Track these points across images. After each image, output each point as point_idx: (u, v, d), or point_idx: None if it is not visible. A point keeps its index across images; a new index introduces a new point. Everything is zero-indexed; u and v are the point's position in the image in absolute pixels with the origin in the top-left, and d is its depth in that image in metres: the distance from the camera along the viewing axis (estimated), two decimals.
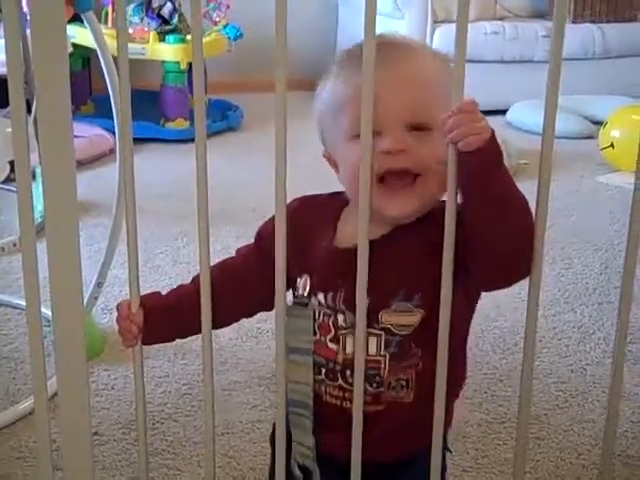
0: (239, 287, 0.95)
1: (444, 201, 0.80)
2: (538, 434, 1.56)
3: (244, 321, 0.99)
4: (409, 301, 0.85)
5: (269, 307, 0.95)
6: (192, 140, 3.21)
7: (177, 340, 1.51)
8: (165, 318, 0.95)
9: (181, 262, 2.28)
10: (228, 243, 2.23)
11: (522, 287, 0.84)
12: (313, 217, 0.91)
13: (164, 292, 0.99)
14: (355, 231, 0.81)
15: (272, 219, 0.86)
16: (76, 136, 2.78)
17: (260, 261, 0.95)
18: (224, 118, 3.80)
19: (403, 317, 0.87)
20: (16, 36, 0.79)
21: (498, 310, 2.04)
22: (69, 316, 0.89)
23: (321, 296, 0.90)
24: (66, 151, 0.83)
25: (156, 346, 1.77)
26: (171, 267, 2.23)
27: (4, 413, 1.60)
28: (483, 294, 0.90)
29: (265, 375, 1.69)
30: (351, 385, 0.86)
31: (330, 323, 0.91)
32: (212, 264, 0.93)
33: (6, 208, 2.75)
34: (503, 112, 3.86)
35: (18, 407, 1.62)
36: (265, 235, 0.96)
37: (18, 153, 0.84)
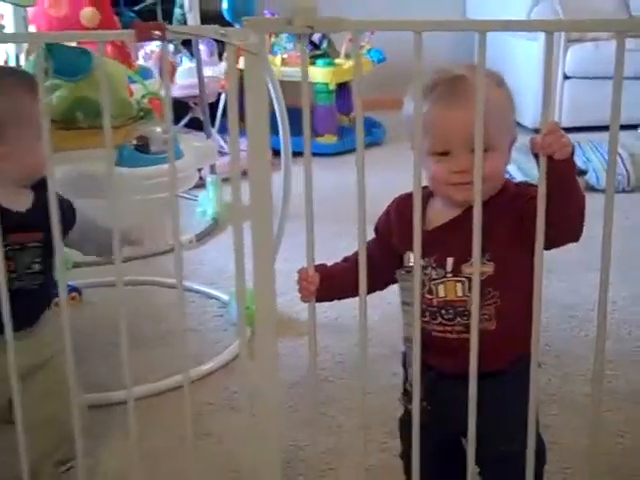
0: (369, 268, 1.17)
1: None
2: None
3: (387, 307, 1.29)
4: (482, 257, 1.12)
5: (389, 282, 1.33)
6: (340, 153, 3.74)
7: (335, 319, 1.88)
8: (331, 283, 1.28)
9: (338, 255, 2.60)
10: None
11: None
12: (410, 208, 1.12)
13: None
14: (437, 216, 1.22)
15: (383, 214, 1.33)
16: (243, 150, 3.17)
17: (382, 244, 1.32)
18: (368, 134, 4.13)
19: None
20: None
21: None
22: (265, 295, 1.18)
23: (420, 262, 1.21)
24: (264, 160, 1.14)
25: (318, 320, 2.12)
26: (326, 260, 2.56)
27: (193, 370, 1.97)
28: None
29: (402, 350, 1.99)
30: (448, 321, 1.25)
31: (426, 279, 1.25)
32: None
33: (182, 212, 3.17)
34: (635, 127, 4.00)
35: (201, 367, 1.99)
36: (379, 227, 1.35)
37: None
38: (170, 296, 2.43)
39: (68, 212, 1.53)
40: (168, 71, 1.90)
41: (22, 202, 1.43)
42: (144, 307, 2.37)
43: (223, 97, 3.54)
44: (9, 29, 2.37)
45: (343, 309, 2.16)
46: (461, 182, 1.09)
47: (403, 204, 1.29)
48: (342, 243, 2.77)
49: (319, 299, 1.26)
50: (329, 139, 3.98)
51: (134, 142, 1.89)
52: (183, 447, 1.67)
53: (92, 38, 1.22)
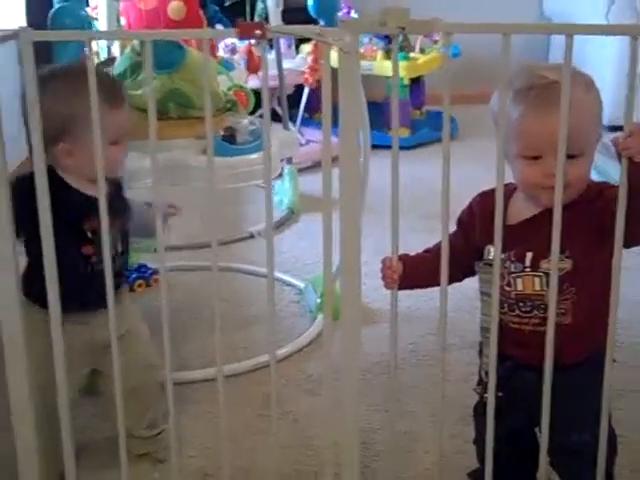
0: (450, 259, 1.22)
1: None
2: None
3: (461, 297, 1.33)
4: (561, 253, 1.16)
5: (468, 273, 1.38)
6: (412, 147, 3.76)
7: (407, 307, 1.92)
8: (414, 272, 1.33)
9: (411, 250, 2.65)
10: None
11: None
12: (493, 203, 1.16)
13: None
14: (518, 211, 1.28)
15: (466, 208, 1.38)
16: (311, 141, 3.28)
17: (464, 237, 1.36)
18: (440, 128, 4.11)
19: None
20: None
21: None
22: (352, 283, 1.22)
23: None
24: (354, 153, 1.19)
25: (386, 312, 2.16)
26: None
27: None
28: None
29: (475, 340, 2.02)
30: (525, 313, 1.30)
31: (505, 272, 1.29)
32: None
33: (259, 201, 3.26)
34: None
35: (278, 352, 2.05)
36: (462, 220, 1.39)
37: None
38: (248, 282, 2.51)
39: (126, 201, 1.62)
40: (256, 65, 1.97)
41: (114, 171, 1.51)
42: (223, 292, 2.44)
43: (306, 91, 3.60)
44: (102, 21, 2.46)
45: (415, 298, 2.22)
46: (552, 186, 1.12)
47: (486, 199, 1.33)
48: (415, 238, 2.79)
49: (401, 287, 1.31)
50: (402, 133, 4.00)
51: (221, 133, 1.96)
52: (260, 425, 1.78)
53: (198, 36, 1.28)
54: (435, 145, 3.99)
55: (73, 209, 1.46)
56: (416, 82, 4.18)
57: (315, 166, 3.71)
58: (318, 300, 2.26)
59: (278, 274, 2.54)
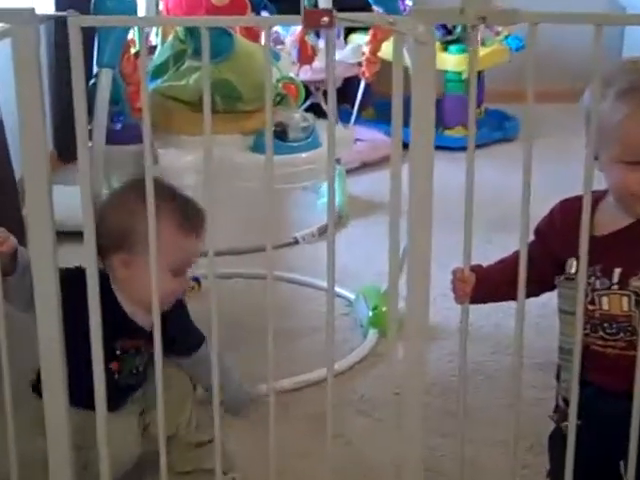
0: (530, 272, 1.21)
1: None
2: None
3: (526, 313, 1.30)
4: None
5: (546, 288, 1.36)
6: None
7: (470, 324, 1.92)
8: (487, 284, 1.32)
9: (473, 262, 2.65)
10: (508, 248, 2.55)
11: None
12: (576, 212, 1.15)
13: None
14: (606, 222, 1.24)
15: (545, 216, 1.35)
16: (359, 139, 3.24)
17: (543, 249, 1.34)
18: (501, 128, 4.13)
19: None
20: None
21: None
22: (419, 296, 1.22)
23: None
24: (429, 152, 1.18)
25: (443, 329, 2.16)
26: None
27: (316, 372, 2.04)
28: None
29: (542, 362, 2.01)
30: (610, 335, 1.27)
31: (589, 288, 1.27)
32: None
33: (304, 204, 3.27)
34: None
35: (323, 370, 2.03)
36: (541, 230, 1.37)
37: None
38: (291, 291, 2.51)
39: (194, 339, 1.66)
40: (309, 55, 1.96)
41: (147, 320, 1.52)
42: (263, 302, 2.44)
43: (362, 85, 3.56)
44: (141, 7, 2.48)
45: (476, 314, 2.19)
46: None
47: (569, 207, 1.32)
48: (479, 248, 2.81)
49: (473, 301, 1.30)
50: (458, 132, 3.98)
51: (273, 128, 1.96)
52: (308, 448, 1.77)
53: (257, 23, 1.29)
54: (494, 146, 3.97)
55: (113, 329, 1.49)
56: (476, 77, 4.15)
57: (363, 167, 3.70)
58: (370, 313, 2.26)
59: (325, 284, 2.53)
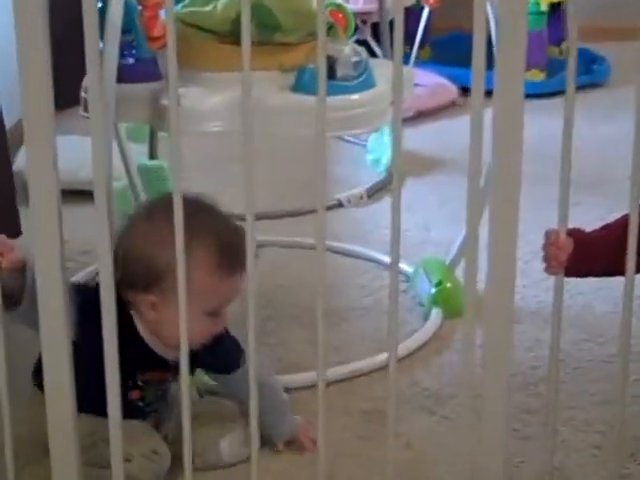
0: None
1: None
2: None
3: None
4: None
5: None
6: (548, 95, 3.66)
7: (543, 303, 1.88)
8: (588, 253, 1.26)
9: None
10: (600, 214, 2.48)
11: None
12: None
13: None
14: None
15: None
16: (416, 84, 3.17)
17: None
18: (588, 72, 4.06)
19: None
20: None
21: None
22: (503, 272, 1.19)
23: None
24: (519, 98, 1.13)
25: (519, 310, 2.12)
26: (535, 234, 2.53)
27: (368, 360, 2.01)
28: None
29: None
30: None
31: None
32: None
33: (349, 160, 3.23)
34: None
35: (379, 357, 2.01)
36: None
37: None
38: (336, 263, 2.47)
39: (233, 359, 1.66)
40: None
41: (174, 354, 1.51)
42: (306, 276, 2.42)
43: (425, 13, 3.50)
44: None
45: (549, 295, 2.14)
46: None
47: None
48: (554, 213, 2.75)
49: (569, 272, 1.26)
50: (535, 75, 3.92)
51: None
52: (360, 450, 1.74)
53: None
54: (580, 93, 3.86)
55: (134, 363, 1.56)
56: (556, 9, 4.09)
57: (419, 117, 3.66)
58: (433, 290, 2.23)
59: (377, 255, 2.52)
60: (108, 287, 1.19)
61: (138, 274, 1.50)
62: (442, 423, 1.83)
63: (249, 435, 1.25)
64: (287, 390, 1.80)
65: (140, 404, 1.65)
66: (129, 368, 1.50)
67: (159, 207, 1.51)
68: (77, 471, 1.30)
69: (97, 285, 1.22)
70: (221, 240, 1.52)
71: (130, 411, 1.57)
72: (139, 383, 1.62)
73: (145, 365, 1.60)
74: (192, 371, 1.70)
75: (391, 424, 1.26)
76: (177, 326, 1.17)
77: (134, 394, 1.62)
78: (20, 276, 1.34)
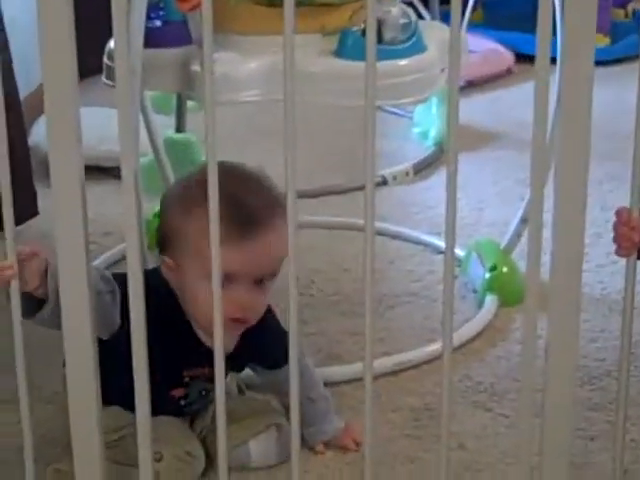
0: None
1: None
2: None
3: None
4: None
5: None
6: (611, 62, 3.62)
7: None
8: None
9: (610, 208, 2.56)
10: None
11: None
12: None
13: None
14: None
15: None
16: (473, 52, 3.14)
17: None
18: None
19: None
20: None
21: None
22: (571, 253, 1.17)
23: None
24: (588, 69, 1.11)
25: (590, 300, 2.11)
26: (599, 212, 2.51)
27: (417, 351, 2.00)
28: None
29: None
30: None
31: None
32: None
33: (393, 133, 3.22)
34: None
35: (429, 347, 2.01)
36: None
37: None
38: (380, 246, 2.46)
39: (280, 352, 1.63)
40: None
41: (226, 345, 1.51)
42: (345, 259, 2.41)
43: None
44: None
45: (614, 280, 2.15)
46: None
47: None
48: (615, 192, 2.73)
49: None
50: (599, 40, 3.88)
51: (361, 26, 1.90)
52: (407, 449, 1.74)
53: None
54: None
55: (183, 355, 1.60)
56: None
57: (469, 87, 3.64)
58: (487, 275, 2.22)
59: (425, 237, 2.53)
60: (136, 272, 1.18)
61: (160, 232, 1.59)
62: (498, 421, 1.82)
63: (284, 435, 1.24)
64: (326, 384, 1.79)
65: (182, 402, 1.66)
66: (176, 362, 1.54)
67: (199, 177, 1.50)
68: (100, 468, 1.30)
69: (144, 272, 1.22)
70: (230, 199, 1.40)
71: (168, 408, 1.61)
72: (185, 380, 1.63)
73: (193, 358, 1.60)
74: (241, 368, 1.73)
75: (445, 422, 1.24)
76: (195, 296, 1.26)
77: (177, 392, 1.64)
78: (43, 283, 1.33)
